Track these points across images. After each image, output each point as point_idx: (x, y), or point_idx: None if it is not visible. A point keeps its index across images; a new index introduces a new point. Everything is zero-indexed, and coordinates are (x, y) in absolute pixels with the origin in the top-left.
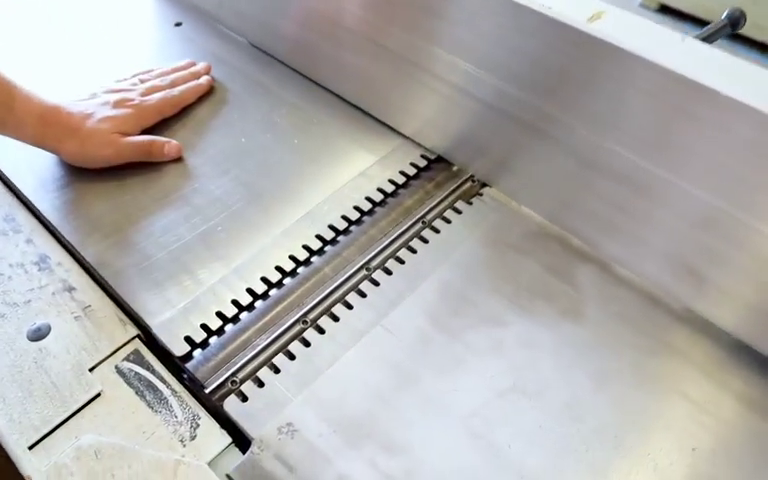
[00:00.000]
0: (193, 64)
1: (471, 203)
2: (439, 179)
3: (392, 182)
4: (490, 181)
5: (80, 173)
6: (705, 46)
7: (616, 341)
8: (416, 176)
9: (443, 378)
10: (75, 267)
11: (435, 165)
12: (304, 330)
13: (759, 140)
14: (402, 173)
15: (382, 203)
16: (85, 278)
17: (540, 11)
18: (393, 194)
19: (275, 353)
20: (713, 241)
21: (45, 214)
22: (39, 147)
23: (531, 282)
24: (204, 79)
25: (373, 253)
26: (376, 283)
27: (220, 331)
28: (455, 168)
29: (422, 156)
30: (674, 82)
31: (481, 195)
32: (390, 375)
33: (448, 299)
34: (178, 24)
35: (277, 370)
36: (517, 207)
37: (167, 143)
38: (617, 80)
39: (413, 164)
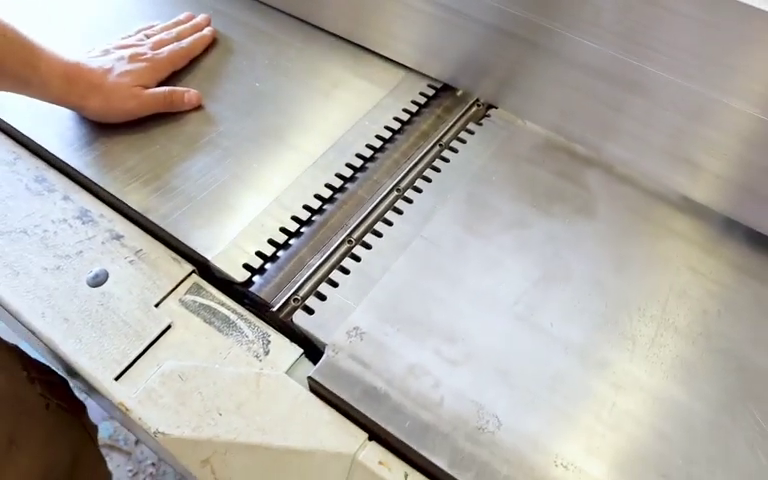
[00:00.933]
0: (192, 17)
1: (481, 124)
2: (447, 104)
3: (406, 111)
4: (495, 102)
5: (103, 129)
6: None
7: (627, 231)
8: (426, 104)
9: (484, 275)
10: (117, 217)
11: (442, 93)
12: (352, 248)
13: (744, 31)
14: (414, 102)
15: (400, 131)
16: (130, 226)
17: None
18: (408, 122)
19: (330, 270)
20: (704, 129)
21: (79, 170)
22: (62, 105)
23: (546, 188)
24: (207, 30)
25: (402, 175)
26: (409, 200)
27: (274, 257)
28: (460, 93)
29: (429, 86)
30: None
31: (489, 116)
32: (437, 278)
33: (476, 208)
34: None
35: (335, 284)
36: (523, 124)
37: (186, 92)
38: None
39: (422, 93)
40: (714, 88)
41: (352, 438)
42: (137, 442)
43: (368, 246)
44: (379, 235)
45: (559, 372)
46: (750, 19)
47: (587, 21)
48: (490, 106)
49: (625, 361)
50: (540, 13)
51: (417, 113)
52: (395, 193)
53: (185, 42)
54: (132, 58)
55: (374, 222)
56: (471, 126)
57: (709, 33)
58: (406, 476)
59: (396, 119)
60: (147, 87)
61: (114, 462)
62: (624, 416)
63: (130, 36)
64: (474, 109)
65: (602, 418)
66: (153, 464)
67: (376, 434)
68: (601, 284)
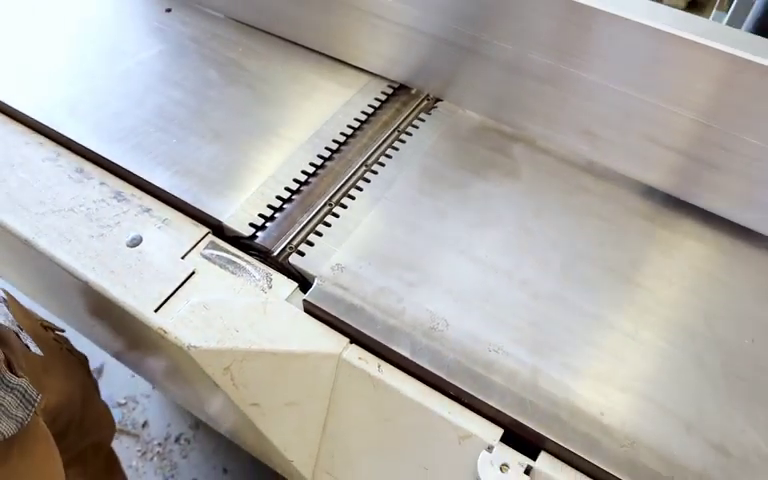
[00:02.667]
0: None
1: (430, 113)
2: (404, 99)
3: (371, 106)
4: (441, 96)
5: (134, 130)
6: None
7: (545, 188)
8: (387, 101)
9: (434, 223)
10: (145, 195)
11: (399, 91)
12: (332, 208)
13: (612, 32)
14: (377, 99)
15: (366, 121)
16: (156, 201)
17: None
18: (373, 114)
19: (316, 224)
20: (602, 108)
21: (113, 161)
22: None
23: (481, 159)
24: None
25: (369, 153)
26: (375, 172)
27: (272, 217)
28: (413, 91)
29: (388, 86)
30: (566, 5)
31: (436, 107)
32: (399, 226)
33: (427, 176)
34: (168, 10)
35: (320, 234)
36: (463, 112)
37: None
38: (527, 6)
39: (383, 92)
40: (600, 75)
41: (338, 342)
42: (144, 425)
43: (344, 206)
44: (352, 198)
45: (491, 288)
46: (617, 25)
47: (509, 32)
48: (437, 100)
49: (540, 279)
50: (474, 27)
51: (380, 107)
52: (364, 167)
53: None
54: None
55: (348, 188)
56: (422, 116)
57: (593, 35)
58: (379, 366)
59: (363, 112)
60: None
61: (123, 444)
62: (538, 316)
63: None
64: (425, 103)
65: (522, 317)
66: (159, 444)
67: (355, 338)
68: (524, 226)
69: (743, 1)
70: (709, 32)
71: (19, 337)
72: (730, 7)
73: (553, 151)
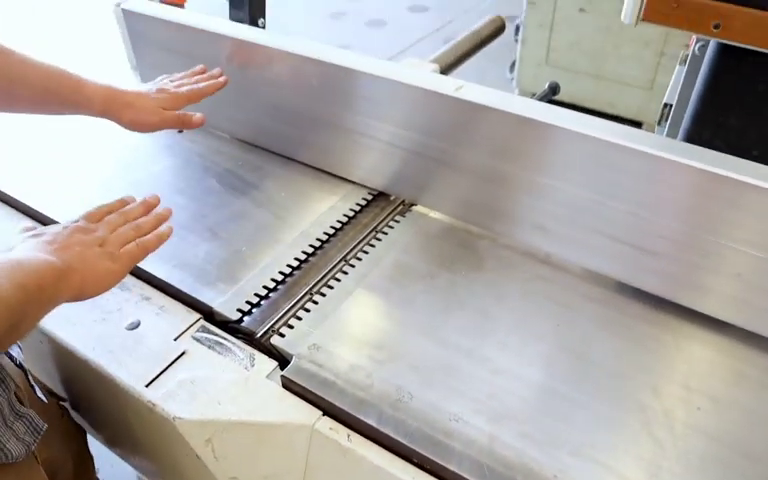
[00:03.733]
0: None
1: (405, 216)
2: (382, 205)
3: (352, 210)
4: (415, 201)
5: None
6: (535, 101)
7: (506, 279)
8: (366, 205)
9: (403, 309)
10: (146, 285)
11: (378, 198)
12: (312, 296)
13: (573, 148)
14: (357, 204)
15: (347, 223)
16: (155, 291)
17: (429, 89)
18: (353, 218)
19: (297, 310)
20: (544, 204)
21: None
22: (104, 117)
23: (449, 254)
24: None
25: (348, 250)
26: (352, 266)
27: (258, 304)
28: (392, 198)
29: (368, 193)
30: (518, 121)
31: (410, 211)
32: (371, 311)
33: (399, 269)
34: (180, 131)
35: (299, 318)
36: (434, 214)
37: (194, 115)
38: (483, 123)
39: (363, 198)
40: (550, 178)
41: (311, 414)
42: None
43: (323, 295)
44: (331, 287)
45: (452, 365)
46: (565, 136)
47: (477, 145)
48: (412, 204)
49: (500, 358)
50: (444, 141)
51: (360, 211)
52: (343, 262)
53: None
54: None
55: (328, 280)
56: (398, 218)
57: (555, 155)
58: (348, 436)
59: (345, 215)
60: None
61: None
62: (495, 389)
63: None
64: (400, 207)
65: (481, 390)
66: None
67: (327, 410)
68: (485, 311)
69: (677, 117)
70: (637, 138)
71: (27, 378)
72: (667, 121)
73: (513, 246)
